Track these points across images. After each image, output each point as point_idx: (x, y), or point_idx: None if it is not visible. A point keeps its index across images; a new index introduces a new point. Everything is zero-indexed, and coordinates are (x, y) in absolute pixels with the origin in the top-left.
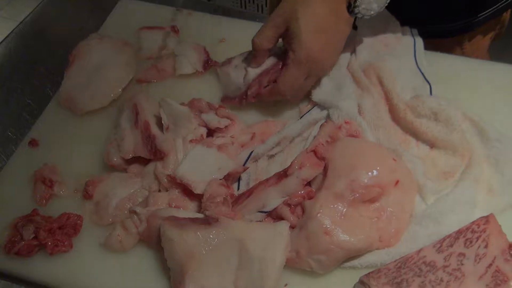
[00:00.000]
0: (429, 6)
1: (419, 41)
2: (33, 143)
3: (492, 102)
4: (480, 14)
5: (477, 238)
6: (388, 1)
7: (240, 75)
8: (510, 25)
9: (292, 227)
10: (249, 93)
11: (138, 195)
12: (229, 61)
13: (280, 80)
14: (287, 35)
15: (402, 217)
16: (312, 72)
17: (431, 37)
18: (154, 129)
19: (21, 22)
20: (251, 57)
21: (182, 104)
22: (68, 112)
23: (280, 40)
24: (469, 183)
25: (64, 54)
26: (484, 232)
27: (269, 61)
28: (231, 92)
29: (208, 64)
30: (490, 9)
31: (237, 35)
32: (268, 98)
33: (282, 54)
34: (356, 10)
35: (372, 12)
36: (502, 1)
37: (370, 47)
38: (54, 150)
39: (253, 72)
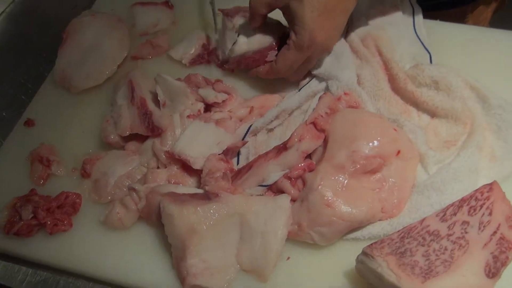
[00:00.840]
0: None
1: (418, 9)
2: (29, 123)
3: (494, 68)
4: None
5: (481, 206)
6: None
7: (233, 39)
8: None
9: (293, 200)
10: (226, 66)
11: (136, 172)
12: (234, 13)
13: (279, 60)
14: (289, 14)
15: (404, 187)
16: (313, 54)
17: (433, 9)
18: (151, 105)
19: (12, 2)
20: (247, 21)
21: (179, 79)
22: (64, 91)
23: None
24: (472, 151)
25: (57, 32)
26: (488, 199)
27: (263, 38)
28: (221, 50)
29: (198, 60)
30: None
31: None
32: (265, 76)
33: (277, 31)
34: None
35: None
36: None
37: (367, 15)
38: (51, 129)
39: (243, 43)
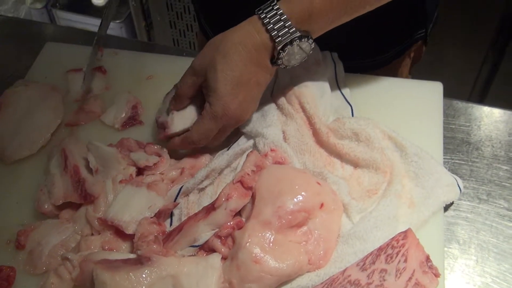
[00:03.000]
0: (340, 46)
1: (339, 64)
2: None
3: (409, 117)
4: (386, 54)
5: (397, 253)
6: (310, 52)
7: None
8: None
9: (224, 258)
10: (158, 136)
11: (70, 241)
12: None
13: (194, 129)
14: (205, 85)
15: (330, 238)
16: (227, 125)
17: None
18: (84, 173)
19: None
20: (172, 99)
21: (111, 145)
22: None
23: None
24: (391, 199)
25: None
26: (403, 246)
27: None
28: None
29: (130, 122)
30: (396, 47)
31: (164, 71)
32: (180, 148)
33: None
34: (279, 62)
35: (294, 63)
36: (407, 41)
37: (291, 73)
38: None
39: (178, 121)
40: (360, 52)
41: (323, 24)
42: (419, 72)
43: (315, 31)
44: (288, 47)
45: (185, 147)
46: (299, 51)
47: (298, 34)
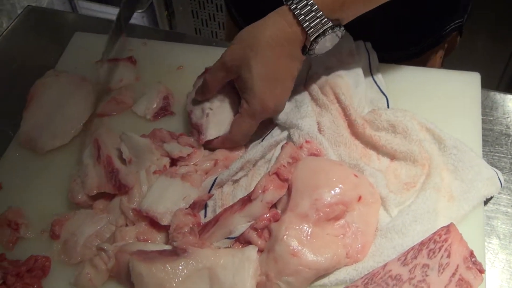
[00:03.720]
0: (373, 37)
1: (373, 54)
2: None
3: (447, 109)
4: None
5: (440, 248)
6: (340, 37)
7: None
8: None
9: (260, 250)
10: (191, 135)
11: (105, 231)
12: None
13: (233, 129)
14: (239, 82)
15: (368, 232)
16: (265, 118)
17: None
18: (117, 163)
19: None
20: (198, 89)
21: (143, 135)
22: (30, 152)
23: None
24: (430, 192)
25: (20, 93)
26: (446, 241)
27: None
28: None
29: (162, 113)
30: (430, 38)
31: (194, 61)
32: (222, 147)
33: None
34: (311, 52)
35: (325, 50)
36: (441, 32)
37: (325, 63)
38: (18, 191)
39: (212, 129)
40: (393, 43)
41: (355, 10)
42: (449, 63)
43: (346, 18)
44: (321, 38)
45: (225, 146)
46: (331, 38)
47: (330, 24)
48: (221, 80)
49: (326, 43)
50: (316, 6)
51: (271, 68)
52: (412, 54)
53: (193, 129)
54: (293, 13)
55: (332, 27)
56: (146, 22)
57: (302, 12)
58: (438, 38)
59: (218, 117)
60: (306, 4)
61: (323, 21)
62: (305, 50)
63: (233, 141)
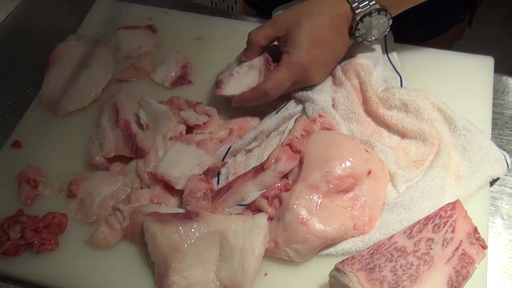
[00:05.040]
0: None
1: (390, 35)
2: (16, 144)
3: (459, 91)
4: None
5: (445, 224)
6: (387, 30)
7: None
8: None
9: (270, 218)
10: (233, 99)
11: (120, 193)
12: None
13: (268, 79)
14: (286, 38)
15: (375, 205)
16: (299, 79)
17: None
18: (135, 128)
19: None
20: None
21: (161, 102)
22: (50, 113)
23: None
24: (438, 170)
25: (42, 55)
26: (451, 217)
27: (249, 81)
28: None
29: (180, 81)
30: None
31: (213, 32)
32: (251, 101)
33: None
34: (357, 33)
35: (372, 38)
36: (451, 19)
37: None
38: (37, 150)
39: (232, 87)
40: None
41: (402, 2)
42: (463, 47)
43: (394, 6)
44: (366, 18)
45: (253, 102)
46: (377, 25)
47: (377, 6)
48: (266, 36)
49: (372, 30)
50: None
51: (318, 33)
52: (418, 36)
53: (215, 84)
54: None
55: (378, 10)
56: None
57: None
58: (446, 25)
59: (240, 81)
60: None
61: (371, 3)
62: (351, 31)
63: (264, 90)
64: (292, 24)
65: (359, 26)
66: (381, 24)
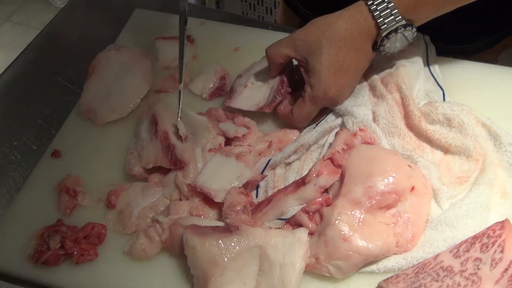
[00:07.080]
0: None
1: (431, 47)
2: (55, 154)
3: (504, 106)
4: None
5: (493, 243)
6: (411, 41)
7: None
8: None
9: (310, 233)
10: (264, 104)
11: (159, 204)
12: (235, 89)
13: (295, 112)
14: (306, 67)
15: (419, 222)
16: (326, 106)
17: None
18: (173, 139)
19: (38, 34)
20: (263, 68)
21: (200, 113)
22: (89, 122)
23: None
24: (483, 188)
25: (80, 65)
26: (500, 237)
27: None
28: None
29: (218, 93)
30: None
31: (250, 43)
32: (282, 118)
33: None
34: (381, 49)
35: (394, 50)
36: (498, 33)
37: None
38: (77, 160)
39: (239, 100)
40: (448, 38)
41: (427, 13)
42: (505, 59)
43: (419, 19)
44: (392, 34)
45: (286, 120)
46: (402, 39)
47: (403, 22)
48: (283, 56)
49: (396, 43)
50: (392, 4)
51: (341, 58)
52: (466, 50)
53: (229, 90)
54: (369, 7)
55: (404, 26)
56: (193, 1)
57: (378, 8)
58: (494, 39)
59: (250, 95)
60: (383, 1)
61: (397, 19)
62: (375, 46)
63: (293, 122)
64: (312, 49)
65: (384, 42)
66: (405, 36)
